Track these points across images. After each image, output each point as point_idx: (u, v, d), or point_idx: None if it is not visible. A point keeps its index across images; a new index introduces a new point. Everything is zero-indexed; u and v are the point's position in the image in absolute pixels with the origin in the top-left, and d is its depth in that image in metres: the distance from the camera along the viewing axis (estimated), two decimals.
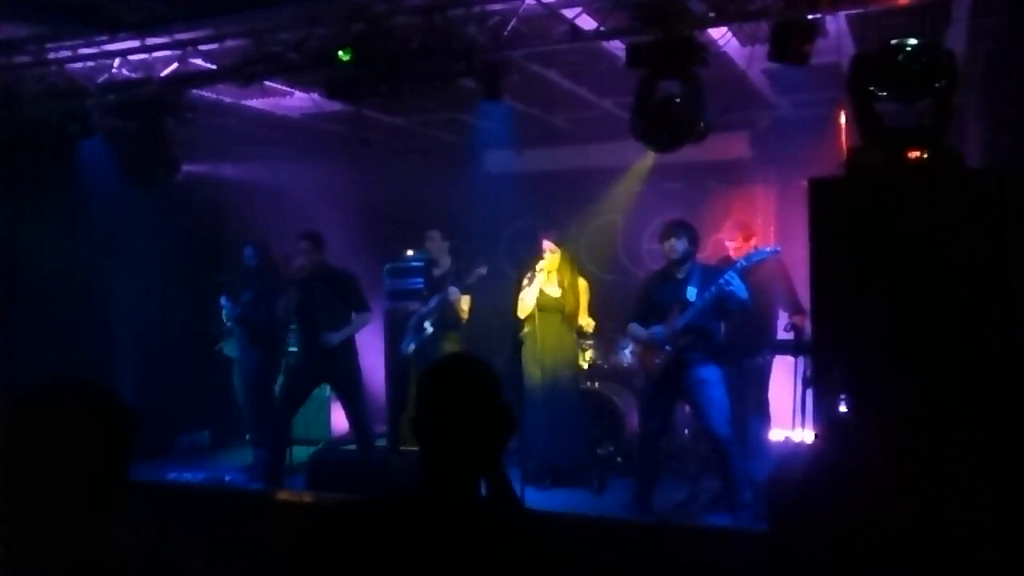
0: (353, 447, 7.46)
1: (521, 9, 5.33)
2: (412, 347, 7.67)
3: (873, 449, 3.83)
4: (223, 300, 8.03)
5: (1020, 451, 3.59)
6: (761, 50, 5.40)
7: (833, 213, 3.76)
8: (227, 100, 7.27)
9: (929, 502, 3.67)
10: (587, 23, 5.46)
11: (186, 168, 7.12)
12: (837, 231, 3.77)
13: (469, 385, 2.17)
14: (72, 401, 1.99)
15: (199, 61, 6.23)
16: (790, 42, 4.86)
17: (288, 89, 7.09)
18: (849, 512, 3.77)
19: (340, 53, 5.39)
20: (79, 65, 6.32)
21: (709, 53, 5.21)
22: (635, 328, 6.36)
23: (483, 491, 2.21)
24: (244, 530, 5.01)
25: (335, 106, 7.27)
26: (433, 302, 7.59)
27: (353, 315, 7.24)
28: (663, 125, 5.10)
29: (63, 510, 1.88)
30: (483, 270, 7.44)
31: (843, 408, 3.77)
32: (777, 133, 7.76)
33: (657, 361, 6.20)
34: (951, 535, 3.61)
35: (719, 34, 5.46)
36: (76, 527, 1.87)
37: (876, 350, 3.75)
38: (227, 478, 7.49)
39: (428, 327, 7.56)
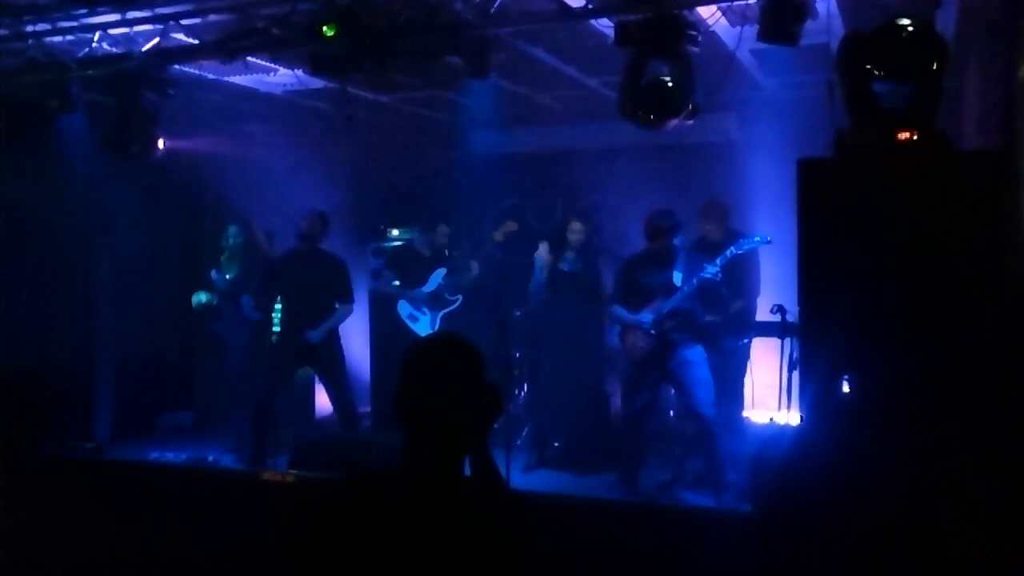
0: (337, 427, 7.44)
1: None
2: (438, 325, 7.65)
3: (860, 431, 3.82)
4: (214, 274, 7.96)
5: (1009, 433, 3.59)
6: (750, 30, 5.36)
7: (822, 194, 3.74)
8: (210, 76, 7.17)
9: (916, 485, 3.66)
10: (576, 2, 5.40)
11: (168, 144, 7.05)
12: (826, 212, 3.74)
13: (452, 364, 2.14)
14: None
15: (181, 36, 6.14)
16: (780, 22, 4.83)
17: (272, 65, 7.01)
18: (834, 493, 3.77)
19: (324, 28, 5.31)
20: (58, 39, 6.22)
21: (699, 32, 5.17)
22: (620, 312, 6.34)
23: (468, 471, 2.19)
24: (227, 510, 4.98)
25: (319, 83, 7.20)
26: (440, 276, 7.54)
27: (336, 304, 7.19)
28: (651, 104, 5.06)
29: None
30: (475, 270, 7.48)
31: (846, 388, 3.77)
32: (765, 114, 7.72)
33: (641, 345, 6.19)
34: (938, 519, 3.61)
35: (708, 13, 5.41)
36: None
37: (864, 332, 3.73)
38: (210, 458, 7.45)
39: (453, 297, 7.55)
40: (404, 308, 7.65)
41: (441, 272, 7.57)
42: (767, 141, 7.32)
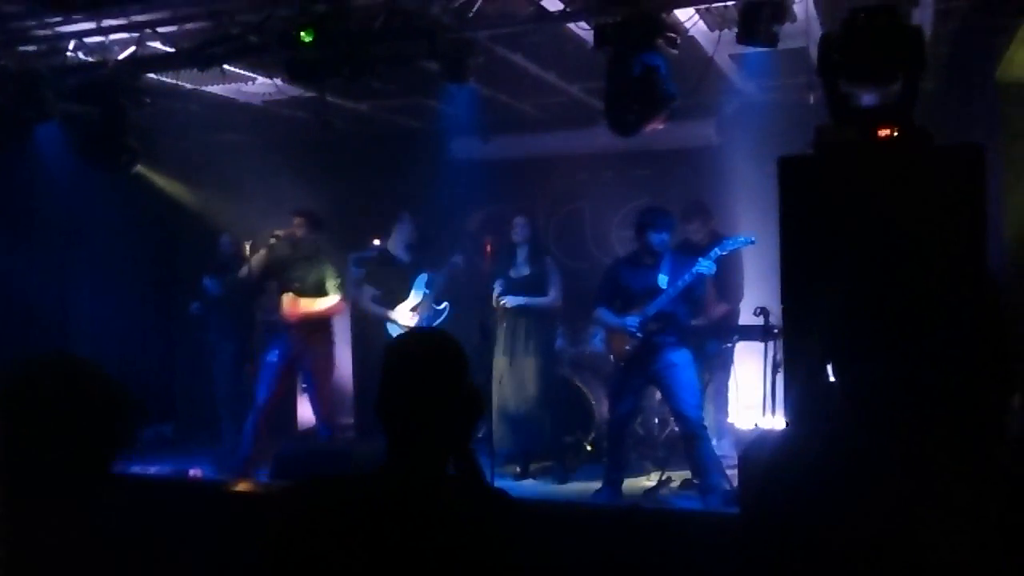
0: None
1: None
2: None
3: (845, 433, 3.80)
4: (207, 280, 7.92)
5: (991, 436, 3.56)
6: (729, 35, 5.36)
7: (802, 191, 3.73)
8: (187, 86, 7.12)
9: (900, 489, 3.63)
10: (553, 5, 5.39)
11: (147, 155, 7.03)
12: (806, 209, 3.73)
13: (434, 361, 2.09)
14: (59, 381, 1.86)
15: (157, 44, 6.09)
16: (759, 23, 4.82)
17: (249, 74, 6.96)
18: (821, 496, 3.73)
19: (301, 34, 5.27)
20: (32, 48, 6.15)
21: (678, 33, 5.16)
22: (606, 315, 6.31)
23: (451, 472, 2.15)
24: (211, 522, 4.92)
25: (298, 92, 7.17)
26: (422, 284, 7.45)
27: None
28: (631, 104, 5.04)
29: (38, 498, 1.79)
30: (458, 260, 7.42)
31: (828, 384, 3.73)
32: (744, 120, 7.73)
33: (627, 348, 6.17)
34: (922, 523, 3.58)
35: (686, 17, 5.41)
36: (52, 517, 1.79)
37: (846, 331, 3.71)
38: (191, 471, 7.37)
39: (442, 306, 7.46)
40: (395, 329, 7.52)
41: (423, 279, 7.47)
42: (746, 147, 7.34)
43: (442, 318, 7.45)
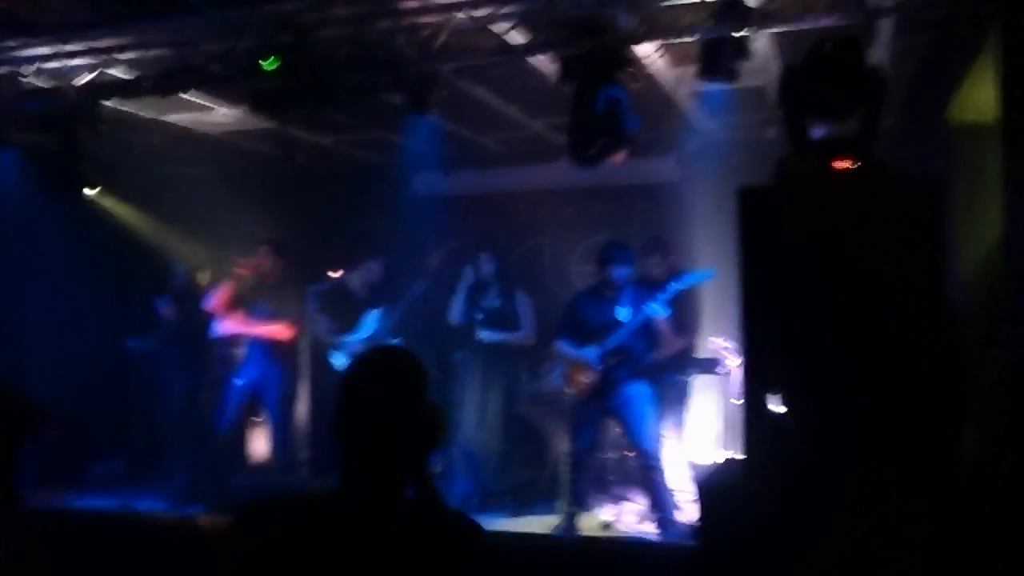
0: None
1: (452, 23, 5.28)
2: None
3: (802, 461, 3.81)
4: (159, 302, 7.82)
5: (944, 462, 3.59)
6: (690, 72, 5.42)
7: (762, 222, 3.75)
8: (144, 115, 7.06)
9: (859, 515, 3.64)
10: (517, 39, 5.43)
11: (103, 185, 6.96)
12: (765, 240, 3.75)
13: (394, 378, 2.06)
14: None
15: (117, 72, 6.04)
16: (720, 59, 4.89)
17: (209, 104, 6.92)
18: (777, 527, 3.74)
19: (265, 63, 5.25)
20: None
21: (640, 67, 5.23)
22: (565, 346, 6.31)
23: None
24: (165, 557, 4.83)
25: (259, 124, 7.13)
26: (376, 319, 7.40)
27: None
28: (594, 138, 5.07)
29: None
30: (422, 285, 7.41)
31: (780, 408, 3.74)
32: (705, 156, 7.81)
33: (585, 380, 6.16)
34: (882, 547, 3.59)
35: (647, 54, 5.47)
36: None
37: (805, 358, 3.73)
38: (137, 507, 7.20)
39: (395, 341, 7.39)
40: (338, 359, 7.45)
41: (377, 314, 7.44)
42: (708, 181, 7.40)
43: None
